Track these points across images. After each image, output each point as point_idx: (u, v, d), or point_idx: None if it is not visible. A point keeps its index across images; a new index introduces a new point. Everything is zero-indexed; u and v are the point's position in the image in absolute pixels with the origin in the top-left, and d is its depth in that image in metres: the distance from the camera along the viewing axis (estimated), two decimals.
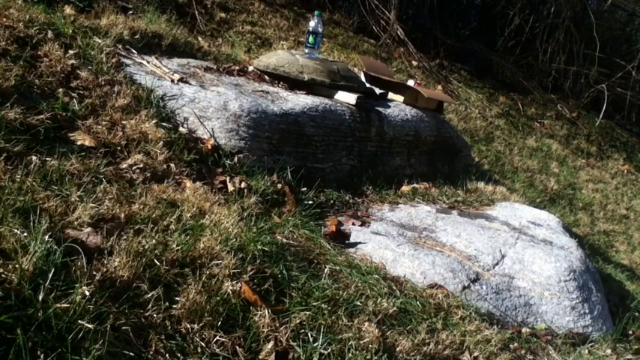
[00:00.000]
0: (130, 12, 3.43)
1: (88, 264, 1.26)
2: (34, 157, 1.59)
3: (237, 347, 1.29)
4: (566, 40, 6.47)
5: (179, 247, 1.45)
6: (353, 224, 2.30)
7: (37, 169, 1.53)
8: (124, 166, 1.82)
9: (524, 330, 1.96)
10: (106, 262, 1.30)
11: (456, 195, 3.01)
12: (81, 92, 2.06)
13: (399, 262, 2.03)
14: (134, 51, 2.66)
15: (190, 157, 2.05)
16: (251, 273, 1.50)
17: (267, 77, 2.94)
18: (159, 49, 2.86)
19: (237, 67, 2.96)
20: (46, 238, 1.25)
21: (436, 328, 1.68)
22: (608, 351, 2.03)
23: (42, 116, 1.78)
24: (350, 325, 1.50)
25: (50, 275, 1.16)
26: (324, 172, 2.61)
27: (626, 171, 5.82)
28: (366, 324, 1.52)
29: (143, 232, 1.48)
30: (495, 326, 1.85)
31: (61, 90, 1.99)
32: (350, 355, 1.40)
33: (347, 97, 2.88)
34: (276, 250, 1.67)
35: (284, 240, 1.78)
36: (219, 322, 1.32)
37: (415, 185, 2.98)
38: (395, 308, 1.66)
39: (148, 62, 2.58)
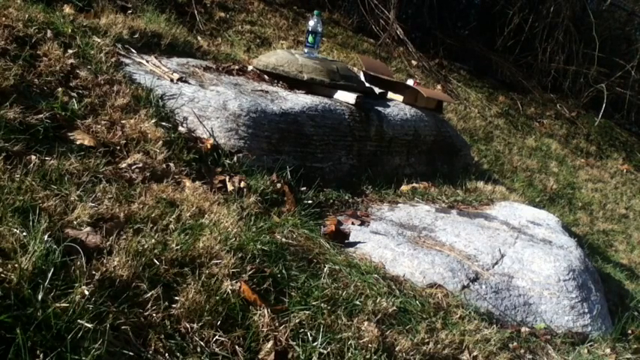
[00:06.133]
0: (130, 11, 3.43)
1: (88, 263, 1.26)
2: (33, 157, 1.59)
3: (237, 347, 1.29)
4: (566, 40, 6.48)
5: (178, 247, 1.45)
6: (352, 224, 2.30)
7: (37, 169, 1.53)
8: (124, 165, 1.82)
9: (523, 329, 1.96)
10: (105, 261, 1.30)
11: (455, 194, 3.01)
12: (80, 92, 2.06)
13: (398, 262, 2.03)
14: (133, 50, 2.66)
15: (190, 156, 2.05)
16: (250, 272, 1.50)
17: (266, 77, 2.94)
18: (158, 49, 2.86)
19: (236, 67, 2.96)
20: (46, 237, 1.25)
21: (435, 327, 1.68)
22: (608, 350, 2.03)
23: (41, 116, 1.77)
24: (349, 324, 1.50)
25: (49, 275, 1.16)
26: (323, 171, 2.61)
27: (625, 170, 5.82)
28: (366, 323, 1.52)
29: (142, 232, 1.48)
30: (495, 325, 1.85)
31: (60, 89, 1.99)
32: (349, 354, 1.40)
33: (346, 97, 2.88)
34: (275, 250, 1.67)
35: (283, 239, 1.78)
36: (219, 322, 1.32)
37: (414, 185, 2.98)
38: (394, 308, 1.66)
39: (148, 62, 2.58)
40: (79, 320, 1.10)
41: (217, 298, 1.36)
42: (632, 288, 3.05)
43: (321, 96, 2.85)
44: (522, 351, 1.82)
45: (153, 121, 2.07)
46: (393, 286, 1.81)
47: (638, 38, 7.75)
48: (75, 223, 1.40)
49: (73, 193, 1.51)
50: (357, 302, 1.60)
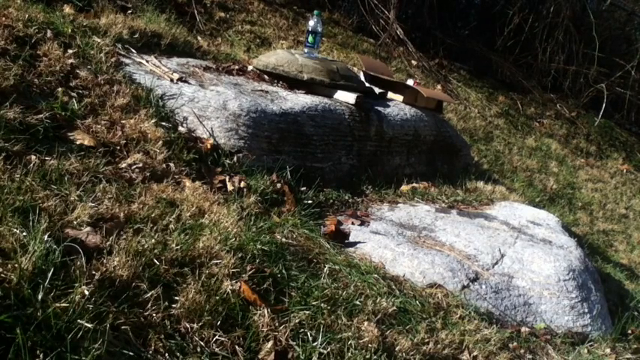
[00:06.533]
0: (129, 11, 3.43)
1: (88, 263, 1.26)
2: (33, 157, 1.59)
3: (237, 347, 1.29)
4: (566, 40, 6.48)
5: (178, 247, 1.45)
6: (352, 224, 2.30)
7: (37, 169, 1.53)
8: (124, 165, 1.82)
9: (523, 329, 1.96)
10: (105, 261, 1.30)
11: (455, 194, 3.01)
12: (80, 92, 2.06)
13: (398, 262, 2.03)
14: (133, 50, 2.66)
15: (190, 156, 2.05)
16: (250, 272, 1.50)
17: (266, 76, 2.94)
18: (158, 49, 2.86)
19: (236, 67, 2.96)
20: (46, 237, 1.25)
21: (435, 327, 1.68)
22: (607, 350, 2.03)
23: (41, 115, 1.77)
24: (349, 324, 1.50)
25: (49, 275, 1.16)
26: (323, 171, 2.61)
27: (625, 170, 5.82)
28: (366, 323, 1.52)
29: (142, 232, 1.48)
30: (494, 325, 1.85)
31: (60, 89, 1.99)
32: (349, 354, 1.40)
33: (346, 97, 2.88)
34: (275, 250, 1.67)
35: (283, 239, 1.78)
36: (219, 322, 1.32)
37: (414, 184, 2.98)
38: (394, 308, 1.66)
39: (147, 62, 2.58)
40: (79, 320, 1.10)
41: (217, 298, 1.36)
42: (632, 288, 3.05)
43: (321, 96, 2.85)
44: (522, 351, 1.82)
45: (153, 121, 2.07)
46: (393, 286, 1.81)
47: (638, 38, 7.75)
48: (75, 223, 1.40)
49: (73, 193, 1.51)
50: (357, 302, 1.61)
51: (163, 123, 2.12)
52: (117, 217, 1.50)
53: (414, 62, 5.71)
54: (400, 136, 3.09)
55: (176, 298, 1.32)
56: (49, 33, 2.28)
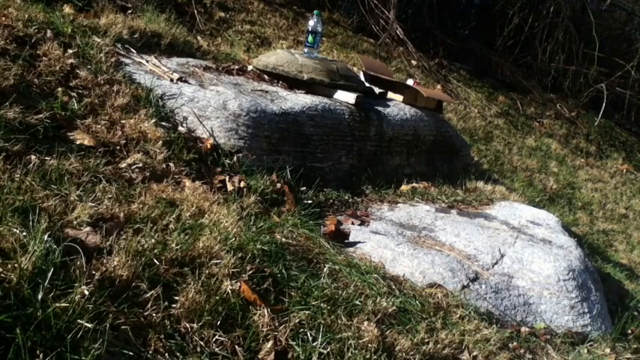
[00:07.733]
0: (129, 11, 3.43)
1: (87, 263, 1.26)
2: (33, 157, 1.59)
3: (237, 346, 1.29)
4: (566, 40, 6.48)
5: (178, 247, 1.45)
6: (352, 223, 2.30)
7: (36, 169, 1.53)
8: (123, 165, 1.82)
9: (523, 329, 1.96)
10: (105, 261, 1.30)
11: (455, 194, 3.01)
12: (80, 91, 2.06)
13: (398, 262, 2.03)
14: (133, 50, 2.66)
15: (189, 156, 2.05)
16: (250, 272, 1.50)
17: (266, 76, 2.94)
18: (158, 49, 2.86)
19: (236, 67, 2.96)
20: (45, 237, 1.25)
21: (435, 327, 1.68)
22: (607, 350, 2.03)
23: (41, 115, 1.77)
24: (349, 324, 1.50)
25: (49, 275, 1.16)
26: (323, 171, 2.61)
27: (625, 170, 5.82)
28: (366, 323, 1.52)
29: (142, 232, 1.48)
30: (494, 325, 1.85)
31: (60, 89, 1.99)
32: (349, 354, 1.40)
33: (346, 97, 2.88)
34: (275, 250, 1.67)
35: (283, 239, 1.78)
36: (219, 322, 1.32)
37: (414, 184, 2.98)
38: (394, 307, 1.66)
39: (147, 61, 2.58)
40: (79, 320, 1.10)
41: (217, 298, 1.36)
42: (632, 288, 3.05)
43: (321, 96, 2.85)
44: (522, 351, 1.82)
45: (153, 121, 2.07)
46: (393, 286, 1.81)
47: (638, 38, 7.75)
48: (75, 222, 1.40)
49: (72, 192, 1.51)
50: (357, 302, 1.61)
51: (163, 123, 2.12)
52: (117, 217, 1.50)
53: (413, 62, 5.72)
54: (400, 136, 3.09)
55: (176, 298, 1.32)
56: (49, 33, 2.28)
